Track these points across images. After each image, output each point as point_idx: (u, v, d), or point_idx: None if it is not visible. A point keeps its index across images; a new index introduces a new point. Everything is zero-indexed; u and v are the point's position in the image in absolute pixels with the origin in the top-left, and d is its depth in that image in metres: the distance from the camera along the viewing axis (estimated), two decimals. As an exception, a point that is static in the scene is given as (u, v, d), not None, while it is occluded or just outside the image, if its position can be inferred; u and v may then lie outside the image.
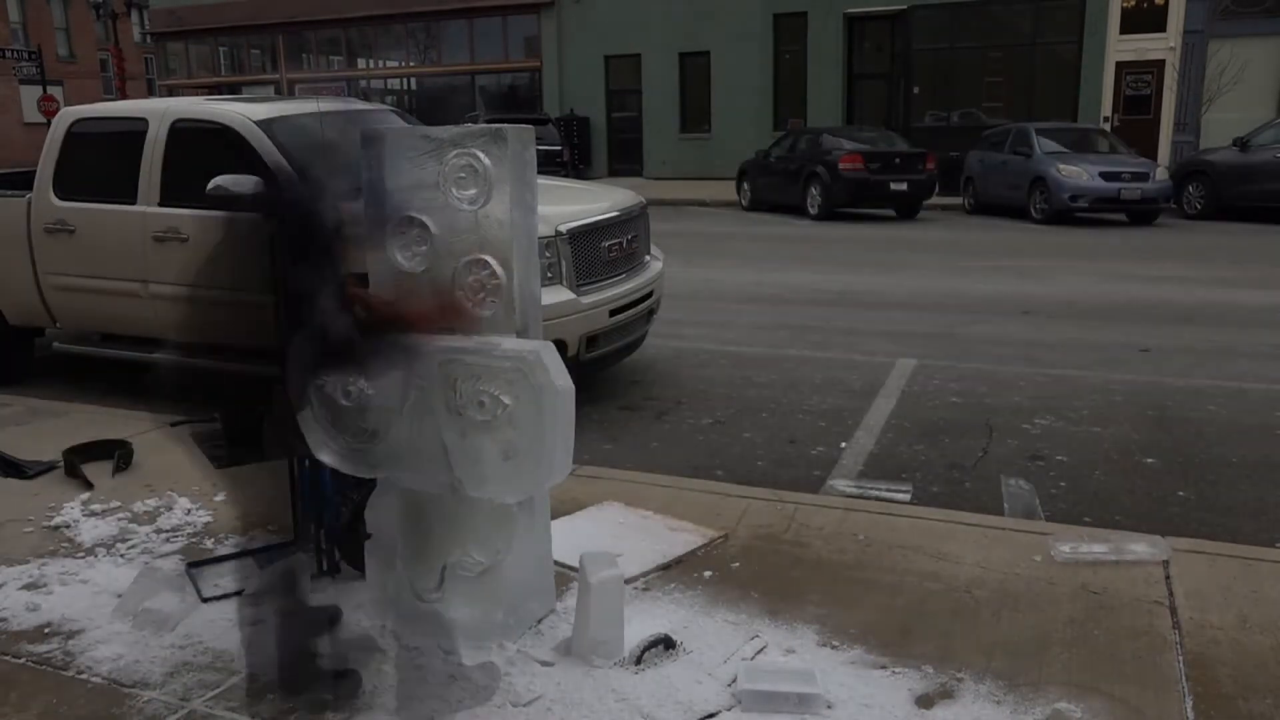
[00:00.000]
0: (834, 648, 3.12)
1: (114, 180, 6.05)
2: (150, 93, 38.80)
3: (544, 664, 3.03)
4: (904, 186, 17.02)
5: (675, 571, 3.66)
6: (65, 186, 6.24)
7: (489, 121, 16.43)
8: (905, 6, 22.59)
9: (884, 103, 23.89)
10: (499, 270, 3.06)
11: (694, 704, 2.81)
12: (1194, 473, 4.94)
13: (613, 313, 5.79)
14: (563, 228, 5.46)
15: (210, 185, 5.24)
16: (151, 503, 4.34)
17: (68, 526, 4.12)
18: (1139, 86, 21.34)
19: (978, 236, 14.90)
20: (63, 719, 2.83)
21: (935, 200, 18.00)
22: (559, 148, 22.70)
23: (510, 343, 3.03)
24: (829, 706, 2.80)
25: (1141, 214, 15.89)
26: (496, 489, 3.04)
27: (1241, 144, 16.07)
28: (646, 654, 3.02)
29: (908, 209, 17.56)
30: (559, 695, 2.87)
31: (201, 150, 5.78)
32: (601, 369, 6.22)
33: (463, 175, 3.05)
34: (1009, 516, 4.37)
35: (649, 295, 6.30)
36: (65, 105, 11.55)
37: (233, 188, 5.20)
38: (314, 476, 3.37)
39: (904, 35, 22.99)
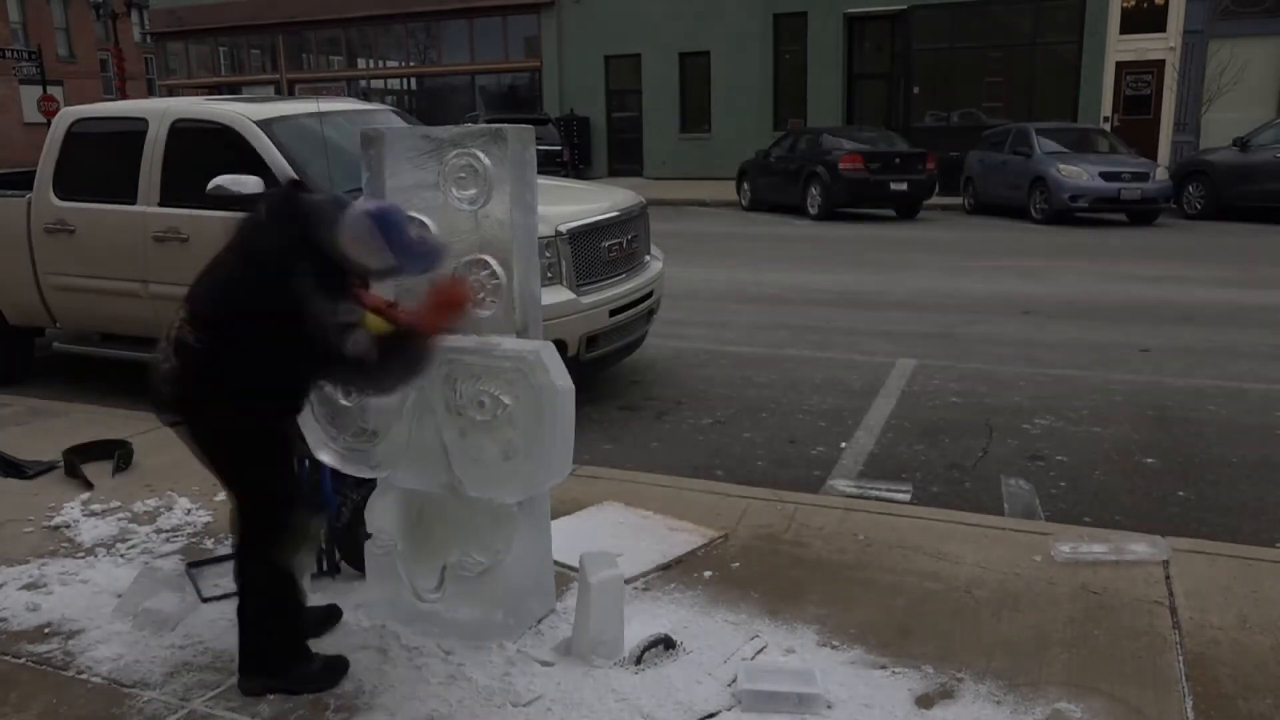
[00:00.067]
0: (834, 648, 3.12)
1: (114, 180, 6.05)
2: (150, 93, 38.80)
3: (544, 664, 3.03)
4: (904, 186, 17.01)
5: (675, 571, 3.66)
6: (65, 186, 6.24)
7: (489, 121, 16.41)
8: (905, 6, 22.58)
9: (884, 103, 23.88)
10: (499, 270, 3.06)
11: (694, 704, 2.82)
12: (1194, 473, 4.94)
13: (613, 313, 5.79)
14: (563, 228, 5.46)
15: (210, 185, 5.25)
16: (151, 503, 4.34)
17: (68, 526, 4.12)
18: (1139, 86, 21.33)
19: (978, 236, 14.90)
20: (63, 719, 2.84)
21: (935, 200, 17.99)
22: (559, 148, 22.70)
23: (510, 343, 3.03)
24: (829, 706, 2.80)
25: (1141, 214, 15.88)
26: (496, 489, 3.04)
27: (1241, 144, 16.06)
28: (646, 654, 3.02)
29: (908, 209, 17.55)
30: (559, 695, 2.87)
31: (201, 150, 5.79)
32: (601, 369, 6.22)
33: (463, 175, 3.05)
34: (1009, 516, 4.37)
35: (649, 295, 6.30)
36: (65, 105, 11.56)
37: (233, 188, 5.21)
38: (314, 476, 3.37)
39: (904, 35, 22.98)
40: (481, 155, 3.02)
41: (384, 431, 3.16)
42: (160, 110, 6.09)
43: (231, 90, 29.74)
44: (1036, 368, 6.92)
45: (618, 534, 3.92)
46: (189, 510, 4.26)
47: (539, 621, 3.25)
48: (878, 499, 4.57)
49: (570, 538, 3.68)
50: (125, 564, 3.77)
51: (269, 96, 21.50)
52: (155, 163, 5.92)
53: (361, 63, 31.74)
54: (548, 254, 5.29)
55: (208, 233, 5.51)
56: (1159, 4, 20.85)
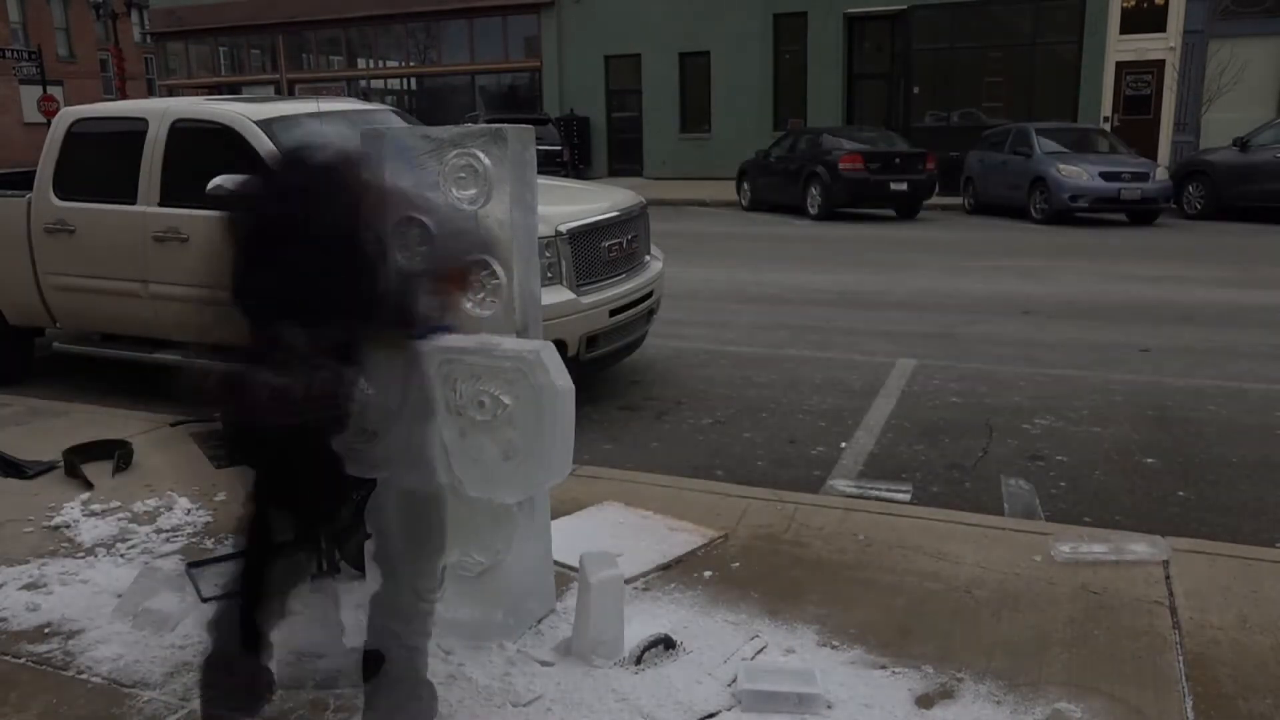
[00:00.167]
0: (834, 648, 3.12)
1: (114, 180, 6.05)
2: (150, 93, 38.80)
3: (544, 664, 3.03)
4: (904, 186, 17.02)
5: (675, 571, 3.66)
6: (65, 186, 6.24)
7: (489, 121, 16.40)
8: (905, 6, 22.59)
9: (884, 103, 23.89)
10: (499, 270, 3.06)
11: (694, 704, 2.81)
12: (1194, 473, 4.94)
13: (613, 313, 5.79)
14: (563, 228, 5.46)
15: (210, 185, 5.24)
16: (151, 503, 4.34)
17: (68, 526, 4.12)
18: (1139, 86, 21.34)
19: (978, 236, 14.90)
20: (63, 719, 2.83)
21: (935, 200, 18.00)
22: (559, 148, 22.71)
23: (510, 343, 3.03)
24: (829, 706, 2.80)
25: (1141, 214, 15.89)
26: (496, 489, 3.04)
27: (1241, 144, 16.07)
28: (646, 654, 3.02)
29: (908, 209, 17.56)
30: (559, 695, 2.87)
31: (202, 150, 5.79)
32: (601, 369, 6.22)
33: (463, 175, 3.05)
34: (1009, 516, 4.37)
35: (649, 295, 6.30)
36: (65, 105, 11.56)
37: (233, 188, 5.20)
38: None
39: (904, 35, 22.99)
40: (481, 155, 3.02)
41: (384, 431, 3.15)
42: (160, 110, 6.09)
43: (231, 90, 29.74)
44: (1036, 368, 6.92)
45: (618, 534, 3.92)
46: (189, 510, 4.25)
47: (539, 621, 3.25)
48: (878, 499, 4.57)
49: (570, 538, 3.68)
50: (125, 564, 3.77)
51: (269, 96, 21.49)
52: (155, 163, 5.92)
53: (361, 63, 31.74)
54: (548, 254, 5.29)
55: (208, 233, 5.51)
56: (1159, 4, 20.86)
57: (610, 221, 5.94)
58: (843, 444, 5.42)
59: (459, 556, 3.17)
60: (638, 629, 3.12)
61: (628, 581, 3.38)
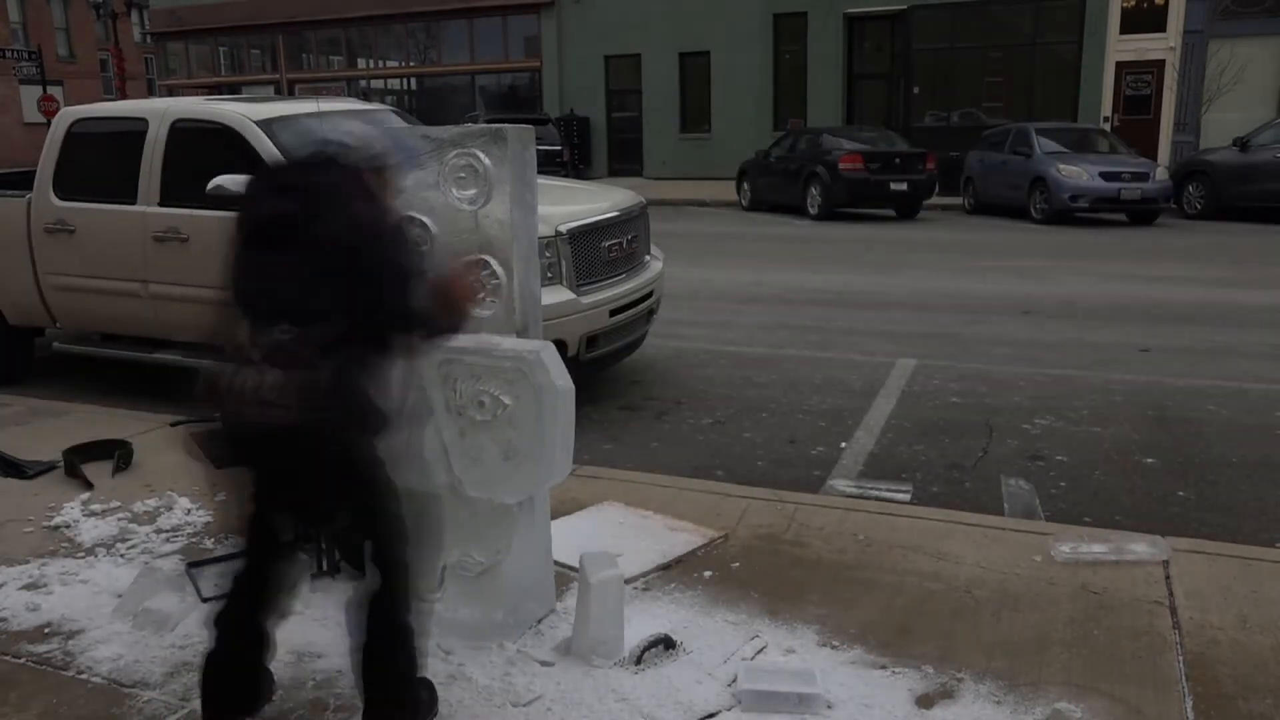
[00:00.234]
0: (834, 648, 3.12)
1: (114, 180, 6.05)
2: (150, 93, 38.80)
3: (544, 664, 3.03)
4: (904, 186, 17.02)
5: (675, 571, 3.66)
6: (65, 186, 6.24)
7: (489, 121, 16.38)
8: (905, 6, 22.59)
9: (884, 103, 23.89)
10: (499, 270, 3.06)
11: (694, 704, 2.81)
12: (1194, 473, 4.94)
13: (613, 313, 5.79)
14: (563, 228, 5.46)
15: (210, 185, 5.25)
16: (151, 503, 4.34)
17: (68, 526, 4.12)
18: (1139, 86, 21.33)
19: (978, 236, 14.90)
20: (63, 719, 2.83)
21: (935, 200, 18.00)
22: (559, 148, 22.70)
23: (510, 343, 3.03)
24: (829, 706, 2.80)
25: (1141, 214, 15.89)
26: (496, 489, 3.04)
27: (1241, 144, 16.06)
28: (646, 654, 3.02)
29: (908, 209, 17.56)
30: (559, 695, 2.87)
31: (202, 150, 5.79)
32: (601, 369, 6.22)
33: (463, 175, 3.05)
34: (1009, 516, 4.37)
35: (649, 295, 6.30)
36: (65, 105, 11.56)
37: (233, 188, 5.21)
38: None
39: (904, 35, 22.98)
40: (481, 155, 3.02)
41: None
42: (160, 110, 6.09)
43: (231, 90, 29.75)
44: (1036, 368, 6.92)
45: (618, 534, 3.92)
46: (189, 510, 4.25)
47: (539, 621, 3.25)
48: (878, 499, 4.57)
49: (570, 538, 3.68)
50: (125, 564, 3.77)
51: (269, 96, 21.49)
52: (155, 163, 5.92)
53: (361, 63, 31.74)
54: (548, 254, 5.29)
55: (208, 233, 5.52)
56: (1159, 4, 20.85)
57: (610, 221, 5.94)
58: (843, 444, 5.42)
59: (459, 556, 3.17)
60: (638, 629, 3.12)
61: (628, 581, 3.38)
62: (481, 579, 3.14)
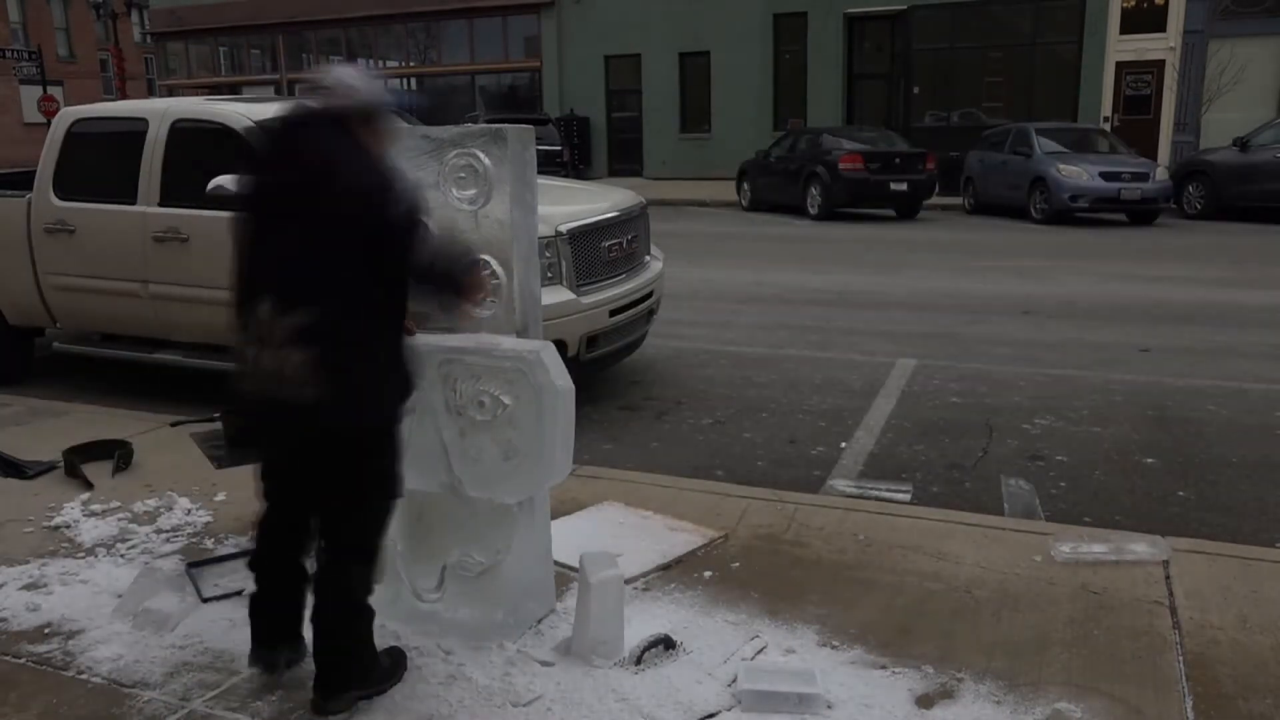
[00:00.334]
0: (834, 648, 3.12)
1: (114, 180, 6.04)
2: (150, 93, 38.79)
3: (544, 664, 3.03)
4: (904, 186, 17.01)
5: (675, 571, 3.66)
6: (65, 186, 6.23)
7: (489, 121, 16.35)
8: (905, 6, 22.58)
9: (884, 103, 23.88)
10: (499, 270, 3.06)
11: (694, 704, 2.81)
12: (1194, 473, 4.94)
13: (613, 313, 5.79)
14: (563, 228, 5.46)
15: (210, 185, 5.25)
16: (151, 503, 4.34)
17: (68, 526, 4.12)
18: (1139, 86, 21.33)
19: (978, 236, 14.90)
20: (63, 719, 2.83)
21: (935, 200, 17.99)
22: (559, 148, 22.70)
23: (510, 343, 3.03)
24: (829, 706, 2.80)
25: (1141, 214, 15.88)
26: (496, 489, 3.04)
27: (1241, 144, 16.06)
28: (646, 654, 3.02)
29: (908, 209, 17.55)
30: (559, 695, 2.87)
31: (202, 150, 5.78)
32: (601, 369, 6.22)
33: (463, 175, 3.05)
34: (1009, 516, 4.37)
35: (649, 295, 6.30)
36: (65, 105, 11.56)
37: (233, 188, 5.20)
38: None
39: (904, 35, 22.98)
40: (481, 155, 3.02)
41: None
42: (160, 110, 6.09)
43: (231, 90, 29.74)
44: (1036, 368, 6.92)
45: (618, 534, 3.92)
46: (189, 510, 4.25)
47: (539, 621, 3.25)
48: (878, 499, 4.57)
49: (570, 538, 3.68)
50: (125, 564, 3.77)
51: (269, 96, 21.47)
52: (155, 163, 5.91)
53: (361, 63, 31.73)
54: (548, 254, 5.29)
55: (208, 233, 5.52)
56: (1159, 4, 20.85)
57: (610, 221, 5.94)
58: (843, 444, 5.42)
59: (459, 556, 3.17)
60: (638, 629, 3.12)
61: (628, 581, 3.38)
62: (481, 579, 3.14)
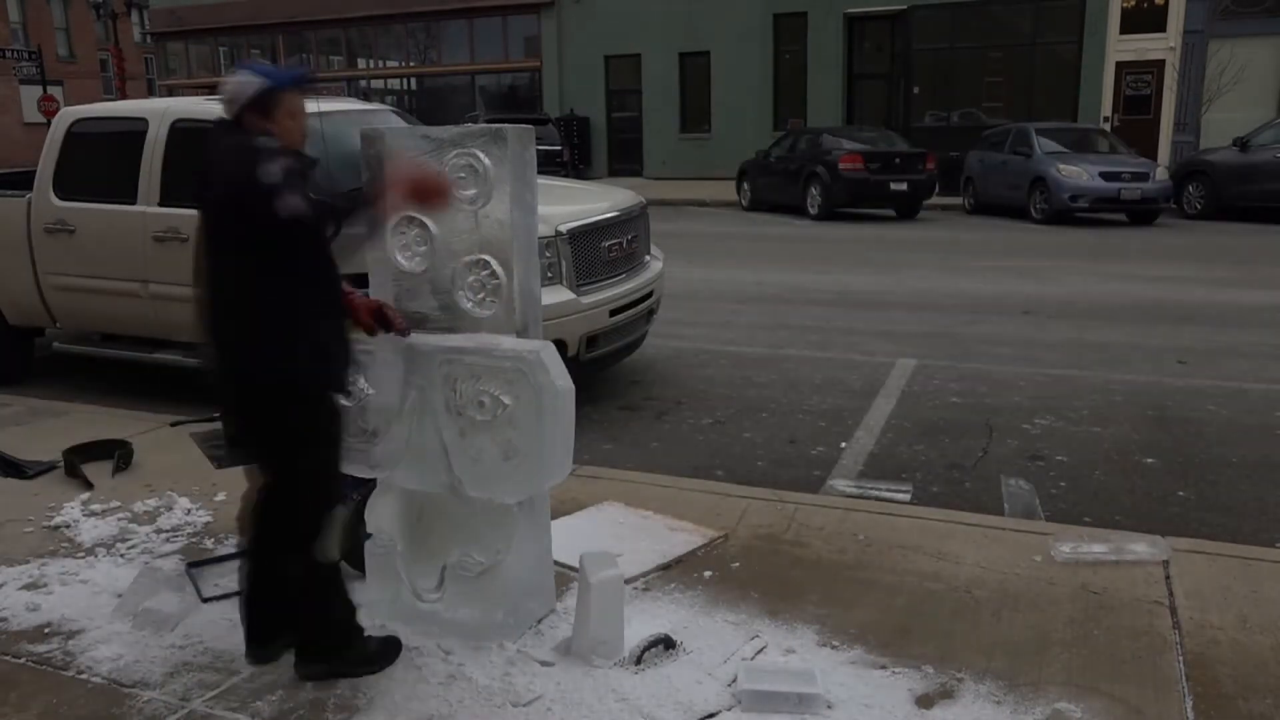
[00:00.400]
0: (834, 648, 3.12)
1: (114, 180, 6.05)
2: (150, 93, 38.78)
3: (544, 664, 3.03)
4: (904, 186, 17.01)
5: (675, 571, 3.66)
6: (65, 186, 6.24)
7: (489, 121, 16.31)
8: (905, 6, 22.58)
9: (884, 103, 23.88)
10: (499, 270, 3.06)
11: (694, 704, 2.81)
12: (1194, 473, 4.94)
13: (613, 313, 5.79)
14: (563, 228, 5.46)
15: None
16: (151, 503, 4.34)
17: (68, 526, 4.12)
18: (1139, 86, 21.33)
19: (978, 236, 14.90)
20: (63, 719, 2.84)
21: (935, 200, 17.99)
22: (559, 148, 22.69)
23: (510, 342, 3.03)
24: (829, 706, 2.80)
25: (1141, 214, 15.88)
26: (496, 489, 3.04)
27: (1241, 144, 16.06)
28: (646, 654, 3.02)
29: (908, 209, 17.55)
30: (559, 695, 2.87)
31: (201, 150, 5.77)
32: (601, 369, 6.22)
33: (463, 175, 3.05)
34: (1009, 516, 4.37)
35: (649, 295, 6.30)
36: (65, 105, 11.55)
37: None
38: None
39: (904, 35, 22.98)
40: (481, 155, 3.02)
41: (384, 431, 3.16)
42: (160, 110, 6.09)
43: (231, 90, 29.66)
44: (1036, 368, 6.92)
45: (618, 534, 3.92)
46: (189, 510, 4.26)
47: (539, 621, 3.25)
48: (878, 499, 4.57)
49: (570, 538, 3.68)
50: (125, 564, 3.77)
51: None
52: (155, 163, 5.91)
53: (361, 63, 31.73)
54: (548, 254, 5.29)
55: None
56: (1159, 4, 20.85)
57: (610, 221, 5.94)
58: (843, 444, 5.42)
59: (459, 556, 3.17)
60: (638, 629, 3.12)
61: (628, 581, 3.38)
62: (481, 579, 3.14)
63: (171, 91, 31.39)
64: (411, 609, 3.24)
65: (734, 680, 2.90)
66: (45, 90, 31.08)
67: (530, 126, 3.26)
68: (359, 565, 3.42)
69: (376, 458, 3.18)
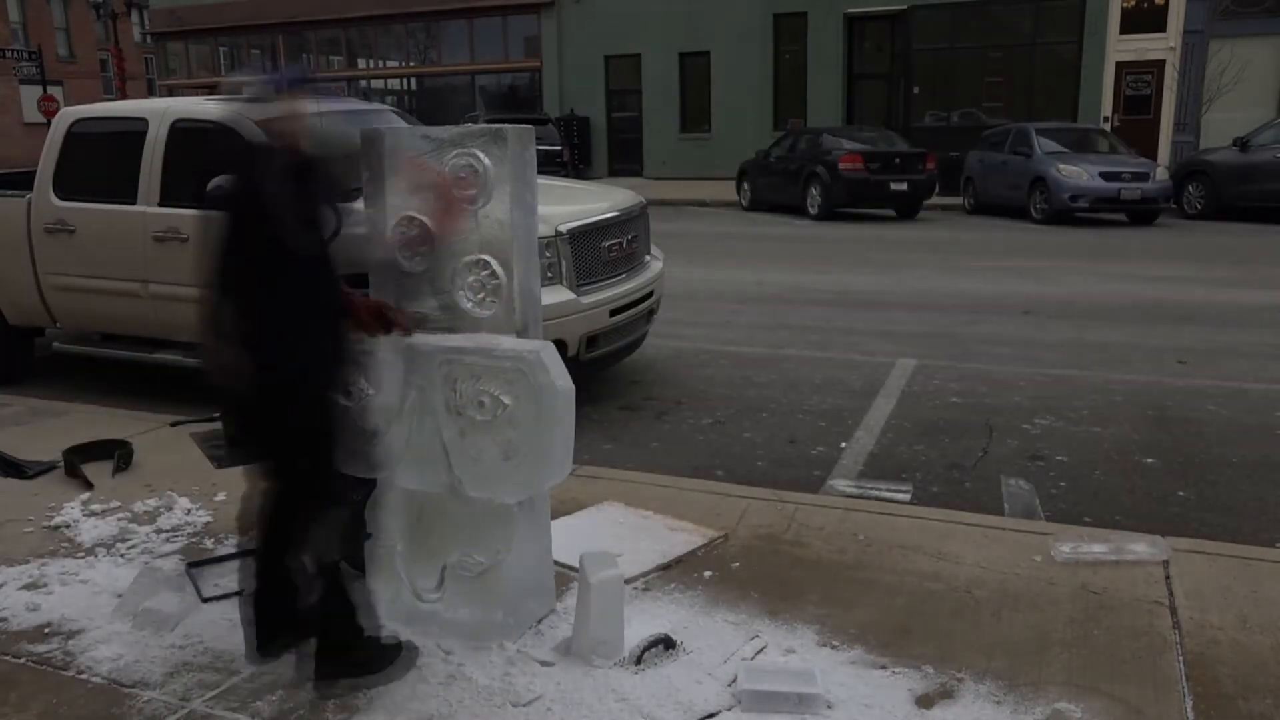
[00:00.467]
0: (834, 648, 3.12)
1: (114, 180, 6.04)
2: (150, 93, 38.79)
3: (544, 664, 3.03)
4: (904, 186, 17.01)
5: (675, 571, 3.66)
6: (65, 186, 6.24)
7: (489, 121, 16.28)
8: (905, 6, 22.58)
9: (884, 103, 23.88)
10: (499, 270, 3.06)
11: (694, 704, 2.81)
12: (1194, 473, 4.94)
13: (613, 313, 5.79)
14: (563, 228, 5.46)
15: (211, 185, 5.24)
16: (151, 503, 4.34)
17: (68, 526, 4.12)
18: (1139, 86, 21.33)
19: (978, 236, 14.90)
20: (63, 719, 2.84)
21: (935, 200, 17.99)
22: (559, 148, 22.69)
23: (510, 342, 3.03)
24: (829, 706, 2.80)
25: (1141, 214, 15.88)
26: (496, 489, 3.04)
27: (1241, 144, 16.06)
28: (646, 654, 3.02)
29: (908, 209, 17.55)
30: (559, 695, 2.87)
31: (201, 150, 5.78)
32: (601, 369, 6.22)
33: (463, 175, 3.05)
34: (1009, 516, 4.37)
35: (649, 295, 6.30)
36: (65, 105, 11.55)
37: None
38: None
39: (904, 35, 22.98)
40: (481, 155, 3.02)
41: (384, 431, 3.16)
42: (160, 110, 6.09)
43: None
44: (1036, 368, 6.92)
45: (618, 534, 3.92)
46: (189, 510, 4.25)
47: (539, 621, 3.25)
48: (878, 499, 4.57)
49: (570, 538, 3.68)
50: (125, 564, 3.77)
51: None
52: (155, 163, 5.91)
53: (361, 63, 31.73)
54: (548, 254, 5.29)
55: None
56: (1159, 4, 20.85)
57: (610, 221, 5.94)
58: (843, 444, 5.42)
59: (459, 556, 3.17)
60: (638, 629, 3.12)
61: (628, 581, 3.38)
62: (481, 579, 3.14)
63: (171, 91, 31.41)
64: (411, 609, 3.24)
65: (734, 680, 2.90)
66: (45, 90, 31.09)
67: (530, 126, 3.26)
68: (359, 565, 3.41)
69: (376, 458, 3.18)
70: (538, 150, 3.35)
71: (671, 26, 25.43)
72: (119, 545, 3.94)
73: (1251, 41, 19.98)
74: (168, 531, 4.07)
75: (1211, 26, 20.32)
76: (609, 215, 5.96)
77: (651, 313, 6.50)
